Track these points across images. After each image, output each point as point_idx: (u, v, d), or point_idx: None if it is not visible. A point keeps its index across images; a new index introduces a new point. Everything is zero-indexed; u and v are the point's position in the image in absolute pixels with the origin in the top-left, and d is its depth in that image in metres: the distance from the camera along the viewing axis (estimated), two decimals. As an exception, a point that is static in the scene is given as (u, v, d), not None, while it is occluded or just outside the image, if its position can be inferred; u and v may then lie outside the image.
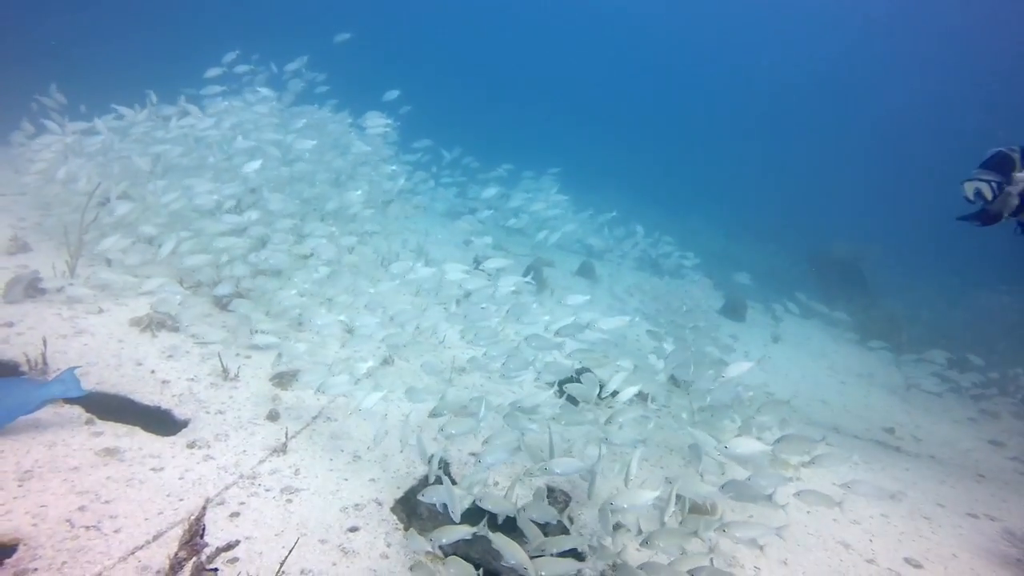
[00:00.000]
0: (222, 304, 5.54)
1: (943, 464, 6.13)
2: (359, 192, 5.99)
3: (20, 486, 3.04)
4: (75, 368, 3.65)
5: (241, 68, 8.27)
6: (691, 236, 15.89)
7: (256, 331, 4.97)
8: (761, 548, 3.81)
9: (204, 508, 2.07)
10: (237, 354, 4.87)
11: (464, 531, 3.13)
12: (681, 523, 3.69)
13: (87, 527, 2.88)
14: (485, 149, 12.62)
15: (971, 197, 4.02)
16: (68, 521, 2.88)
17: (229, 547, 2.19)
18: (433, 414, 4.29)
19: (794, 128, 32.06)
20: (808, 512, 4.44)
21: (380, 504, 3.60)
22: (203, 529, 2.06)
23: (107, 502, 3.09)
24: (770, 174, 25.58)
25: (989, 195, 3.95)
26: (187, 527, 2.05)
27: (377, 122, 7.52)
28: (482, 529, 3.13)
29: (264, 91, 6.79)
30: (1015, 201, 3.93)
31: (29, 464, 3.22)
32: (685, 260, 10.85)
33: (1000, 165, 3.95)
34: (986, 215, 4.06)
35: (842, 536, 4.14)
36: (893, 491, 4.26)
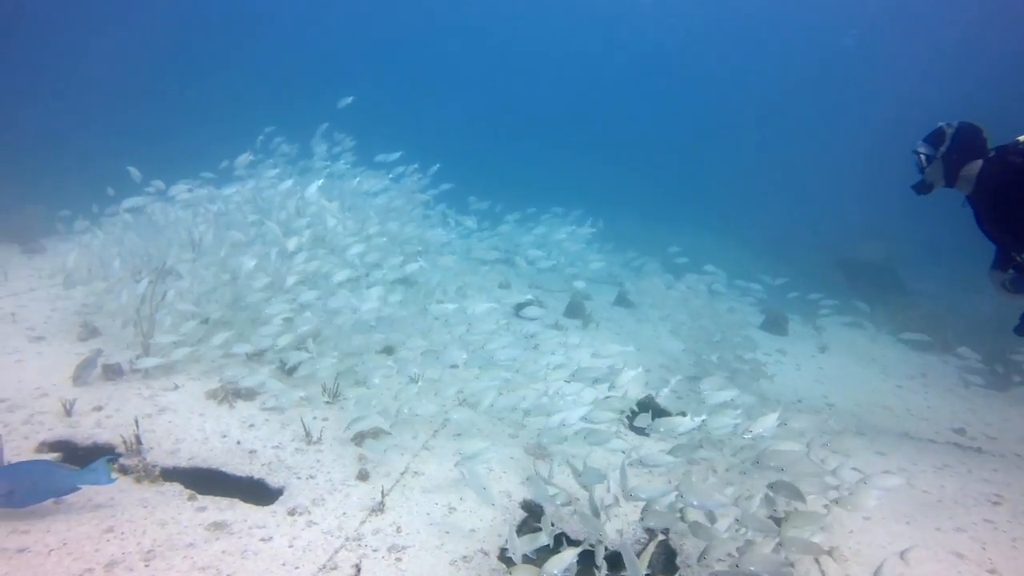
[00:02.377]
0: (287, 369, 5.64)
1: (1029, 461, 5.97)
2: (417, 262, 6.23)
3: (147, 566, 3.09)
4: (107, 458, 3.68)
5: (277, 141, 8.66)
6: (704, 253, 15.82)
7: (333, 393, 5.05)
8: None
9: (359, 571, 2.11)
10: (314, 417, 4.94)
11: (572, 554, 3.13)
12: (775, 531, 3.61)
13: (218, 603, 2.91)
14: (507, 194, 12.79)
15: (916, 167, 4.50)
16: (200, 599, 2.92)
17: (385, 610, 2.21)
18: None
19: (802, 130, 32.07)
20: (907, 523, 4.35)
21: (487, 554, 3.59)
22: (365, 593, 2.09)
23: (229, 576, 3.12)
24: (781, 182, 25.54)
25: (921, 165, 4.40)
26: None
27: (412, 186, 7.88)
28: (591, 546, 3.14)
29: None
30: (940, 173, 4.33)
31: (149, 544, 3.27)
32: (754, 284, 10.20)
33: (935, 139, 4.36)
34: (922, 184, 4.47)
35: (951, 546, 4.03)
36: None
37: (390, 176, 8.03)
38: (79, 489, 3.49)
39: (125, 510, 3.53)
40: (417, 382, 5.42)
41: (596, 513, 3.43)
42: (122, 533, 3.32)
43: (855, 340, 10.95)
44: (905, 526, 4.28)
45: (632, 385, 5.12)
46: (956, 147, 4.26)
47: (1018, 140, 4.12)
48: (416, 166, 8.14)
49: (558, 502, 3.74)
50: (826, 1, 31.27)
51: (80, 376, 5.18)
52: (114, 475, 3.91)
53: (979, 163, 4.23)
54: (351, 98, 9.10)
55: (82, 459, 4.08)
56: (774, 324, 10.51)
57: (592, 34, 38.31)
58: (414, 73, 35.72)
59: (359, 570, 2.47)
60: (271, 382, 4.91)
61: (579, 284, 7.10)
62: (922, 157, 4.34)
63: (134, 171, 6.70)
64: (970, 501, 4.76)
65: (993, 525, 4.36)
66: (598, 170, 26.99)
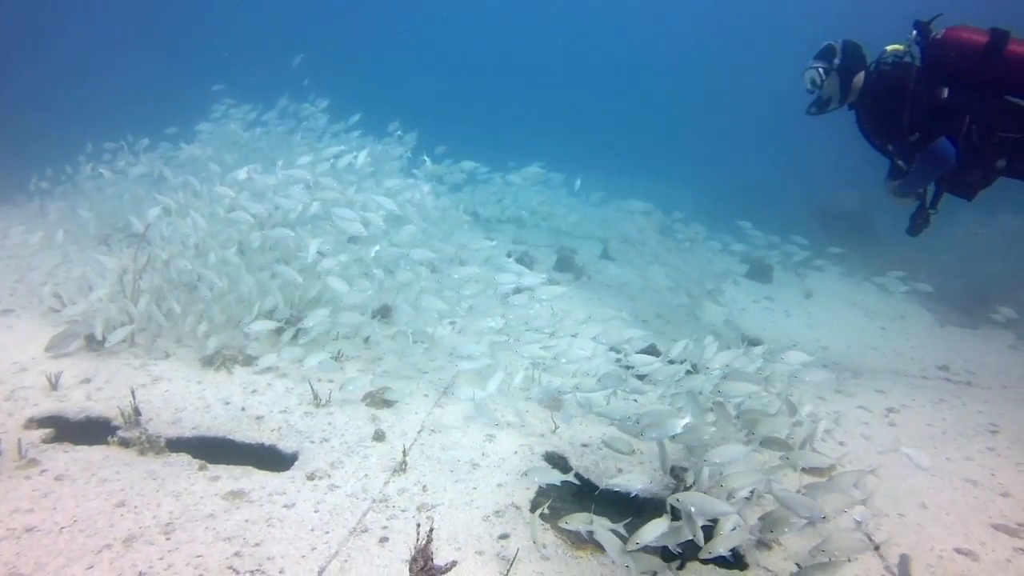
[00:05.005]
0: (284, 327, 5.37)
1: (1017, 391, 6.20)
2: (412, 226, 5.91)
3: (168, 539, 2.91)
4: None
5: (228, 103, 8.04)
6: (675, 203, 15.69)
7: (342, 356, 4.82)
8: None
9: (431, 533, 1.98)
10: (319, 379, 4.73)
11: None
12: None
13: (252, 572, 2.76)
14: (482, 151, 12.28)
15: (809, 86, 4.64)
16: (232, 568, 2.76)
17: (448, 569, 2.10)
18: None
19: (781, 78, 31.90)
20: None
21: (518, 507, 3.52)
22: (432, 554, 1.97)
23: (257, 545, 2.97)
24: (765, 133, 25.42)
25: (819, 80, 4.57)
26: (415, 555, 1.95)
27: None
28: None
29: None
30: (837, 86, 4.54)
31: (166, 516, 3.08)
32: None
33: (827, 54, 4.57)
34: (819, 101, 4.64)
35: (963, 473, 4.15)
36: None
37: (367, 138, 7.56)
38: None
39: (134, 484, 3.32)
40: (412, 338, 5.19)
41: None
42: (135, 507, 3.11)
43: (837, 286, 11.17)
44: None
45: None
46: (846, 59, 4.50)
47: (886, 50, 4.41)
48: (397, 122, 7.71)
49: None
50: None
51: (57, 346, 4.84)
52: (114, 448, 3.69)
53: (862, 74, 4.48)
54: (300, 56, 8.49)
55: (77, 434, 3.83)
56: (759, 272, 10.61)
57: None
58: (381, 30, 34.13)
59: (429, 537, 2.30)
60: (257, 325, 4.70)
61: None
62: (820, 71, 4.51)
63: (130, 145, 6.12)
64: (971, 431, 4.92)
65: (996, 452, 4.51)
66: (576, 129, 26.54)
